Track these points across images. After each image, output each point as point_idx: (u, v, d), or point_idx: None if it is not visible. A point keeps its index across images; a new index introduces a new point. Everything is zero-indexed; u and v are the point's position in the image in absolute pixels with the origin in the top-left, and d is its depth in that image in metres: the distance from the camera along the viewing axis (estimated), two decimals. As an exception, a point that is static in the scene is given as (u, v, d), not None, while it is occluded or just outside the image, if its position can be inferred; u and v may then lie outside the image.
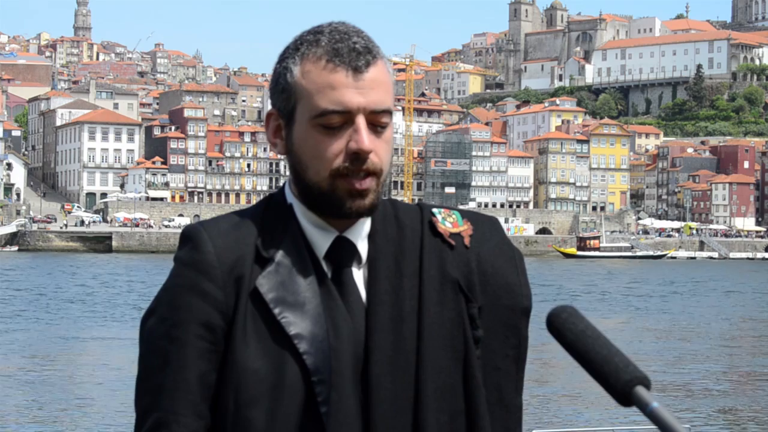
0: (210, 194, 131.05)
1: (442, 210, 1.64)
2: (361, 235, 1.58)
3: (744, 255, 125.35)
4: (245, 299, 1.52)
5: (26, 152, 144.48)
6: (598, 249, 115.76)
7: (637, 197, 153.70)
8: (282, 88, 1.56)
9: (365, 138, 1.51)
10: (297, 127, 1.54)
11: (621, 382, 1.31)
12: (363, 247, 1.58)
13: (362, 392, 1.53)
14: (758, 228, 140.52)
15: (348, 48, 1.51)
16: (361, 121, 1.51)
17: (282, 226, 1.57)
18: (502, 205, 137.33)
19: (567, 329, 1.38)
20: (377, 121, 1.53)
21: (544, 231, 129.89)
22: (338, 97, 1.50)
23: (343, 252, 1.57)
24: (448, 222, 1.62)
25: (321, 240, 1.57)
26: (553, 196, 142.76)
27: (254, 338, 1.51)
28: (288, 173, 1.57)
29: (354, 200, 1.53)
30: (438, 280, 1.58)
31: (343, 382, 1.51)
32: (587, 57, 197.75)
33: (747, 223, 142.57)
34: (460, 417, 1.57)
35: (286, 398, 1.50)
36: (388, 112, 1.54)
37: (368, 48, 1.52)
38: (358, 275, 1.58)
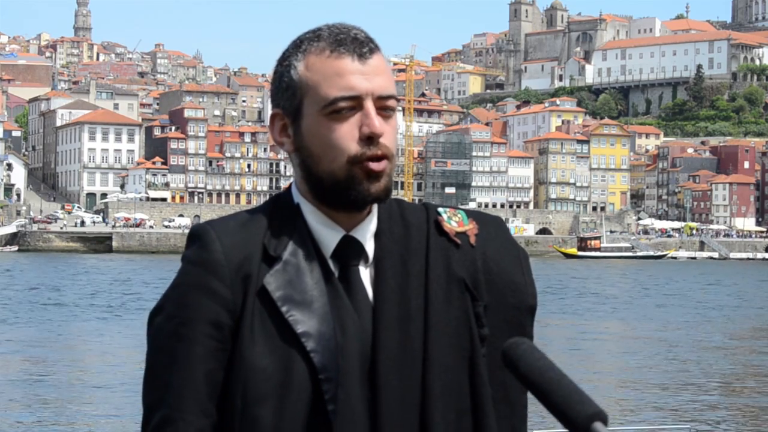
0: (210, 194, 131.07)
1: (448, 209, 1.66)
2: (367, 234, 1.60)
3: (744, 255, 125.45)
4: (253, 298, 1.53)
5: (26, 152, 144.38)
6: (598, 249, 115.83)
7: (637, 197, 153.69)
8: (286, 86, 1.58)
9: (377, 121, 1.53)
10: (306, 120, 1.56)
11: (581, 418, 1.33)
12: (370, 246, 1.59)
13: (369, 391, 1.53)
14: (758, 228, 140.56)
15: (350, 38, 1.55)
16: (370, 105, 1.54)
17: (289, 225, 1.58)
18: (502, 206, 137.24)
19: (524, 363, 1.38)
20: (384, 107, 1.56)
21: (544, 231, 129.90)
22: (346, 83, 1.53)
23: (350, 251, 1.58)
24: (453, 221, 1.64)
25: (328, 239, 1.58)
26: (553, 196, 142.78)
27: (262, 336, 1.52)
28: (291, 173, 1.58)
29: (371, 183, 1.54)
30: (444, 278, 1.59)
31: (351, 381, 1.52)
32: (587, 57, 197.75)
33: (747, 223, 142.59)
34: (467, 415, 1.58)
35: (294, 396, 1.51)
36: (394, 98, 1.57)
37: (369, 38, 1.57)
38: (365, 274, 1.59)
